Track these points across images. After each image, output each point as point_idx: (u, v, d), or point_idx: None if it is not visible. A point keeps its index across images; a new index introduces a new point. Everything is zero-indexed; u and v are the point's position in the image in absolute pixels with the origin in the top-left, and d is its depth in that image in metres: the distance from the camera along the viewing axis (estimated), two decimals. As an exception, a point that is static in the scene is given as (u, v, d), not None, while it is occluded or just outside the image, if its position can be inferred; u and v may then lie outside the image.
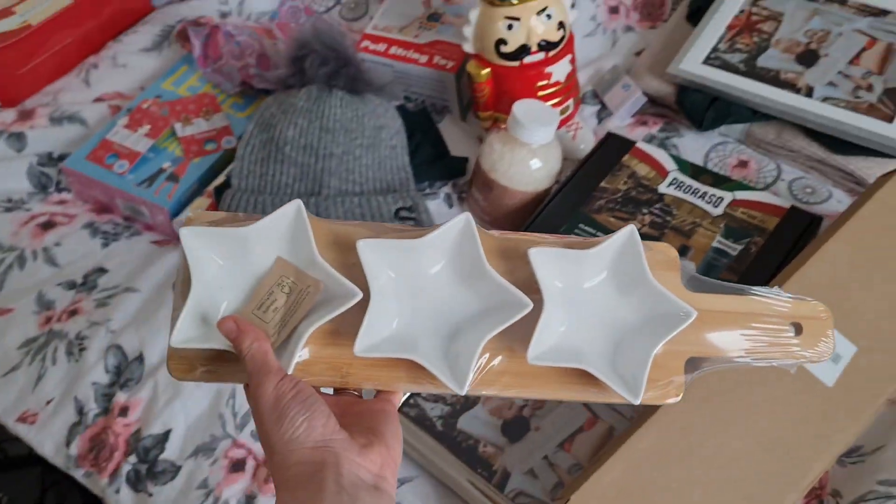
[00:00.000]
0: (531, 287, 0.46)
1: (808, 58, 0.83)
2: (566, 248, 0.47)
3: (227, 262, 0.47)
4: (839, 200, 0.79)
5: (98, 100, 0.98)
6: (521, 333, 0.46)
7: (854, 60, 0.82)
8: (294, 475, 0.41)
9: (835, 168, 0.80)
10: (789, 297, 0.49)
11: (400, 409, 0.68)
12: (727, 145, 0.85)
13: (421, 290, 0.48)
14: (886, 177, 0.69)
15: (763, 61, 0.84)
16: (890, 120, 0.77)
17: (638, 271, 0.47)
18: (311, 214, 0.48)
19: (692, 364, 0.48)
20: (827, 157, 0.80)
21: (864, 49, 0.83)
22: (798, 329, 0.48)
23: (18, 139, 0.93)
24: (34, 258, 0.84)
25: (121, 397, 0.73)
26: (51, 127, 0.94)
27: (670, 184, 0.77)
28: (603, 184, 0.78)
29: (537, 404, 0.67)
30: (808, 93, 0.81)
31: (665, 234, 0.73)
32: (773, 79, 0.82)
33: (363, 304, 0.45)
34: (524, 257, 0.46)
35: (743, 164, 0.83)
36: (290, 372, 0.44)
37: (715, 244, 0.72)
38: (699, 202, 0.75)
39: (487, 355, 0.47)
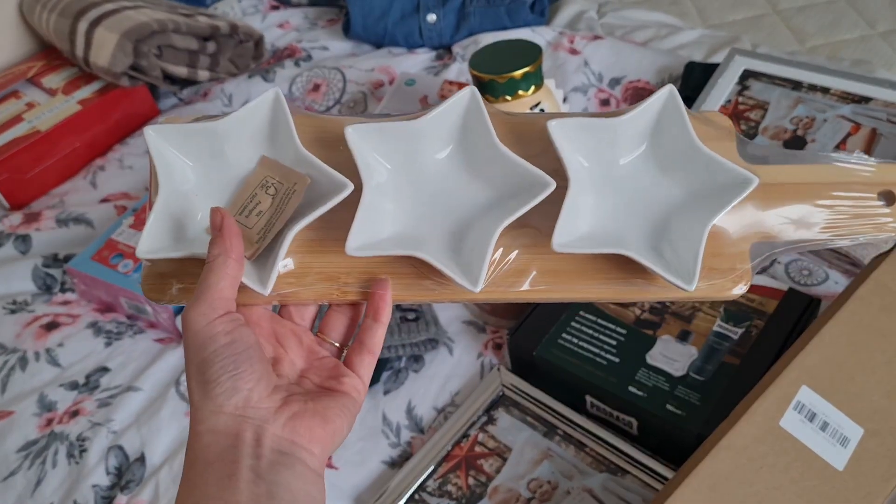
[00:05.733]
0: (555, 174, 0.39)
1: (795, 144, 0.86)
2: (593, 118, 0.40)
3: (200, 163, 0.41)
4: (836, 281, 0.80)
5: (104, 200, 1.00)
6: (545, 227, 0.38)
7: (840, 145, 0.84)
8: (206, 445, 0.36)
9: (830, 250, 0.81)
10: (875, 162, 0.40)
11: (405, 506, 0.67)
12: (722, 230, 0.86)
13: (422, 181, 0.41)
14: (881, 257, 0.69)
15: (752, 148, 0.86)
16: (880, 201, 0.79)
17: (683, 137, 0.40)
18: (291, 105, 0.41)
19: (758, 250, 0.40)
20: (821, 238, 0.81)
21: (849, 134, 0.85)
22: (889, 198, 0.41)
23: (24, 241, 0.95)
24: (36, 359, 0.84)
25: (121, 500, 0.72)
26: (57, 228, 0.96)
27: (668, 269, 0.78)
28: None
29: (545, 496, 0.65)
30: (798, 177, 0.83)
31: (665, 318, 0.73)
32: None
33: (356, 200, 0.39)
34: (543, 138, 0.39)
35: (739, 247, 0.84)
36: (272, 280, 0.38)
37: (716, 328, 0.72)
38: (697, 287, 0.76)
39: (502, 250, 0.39)
